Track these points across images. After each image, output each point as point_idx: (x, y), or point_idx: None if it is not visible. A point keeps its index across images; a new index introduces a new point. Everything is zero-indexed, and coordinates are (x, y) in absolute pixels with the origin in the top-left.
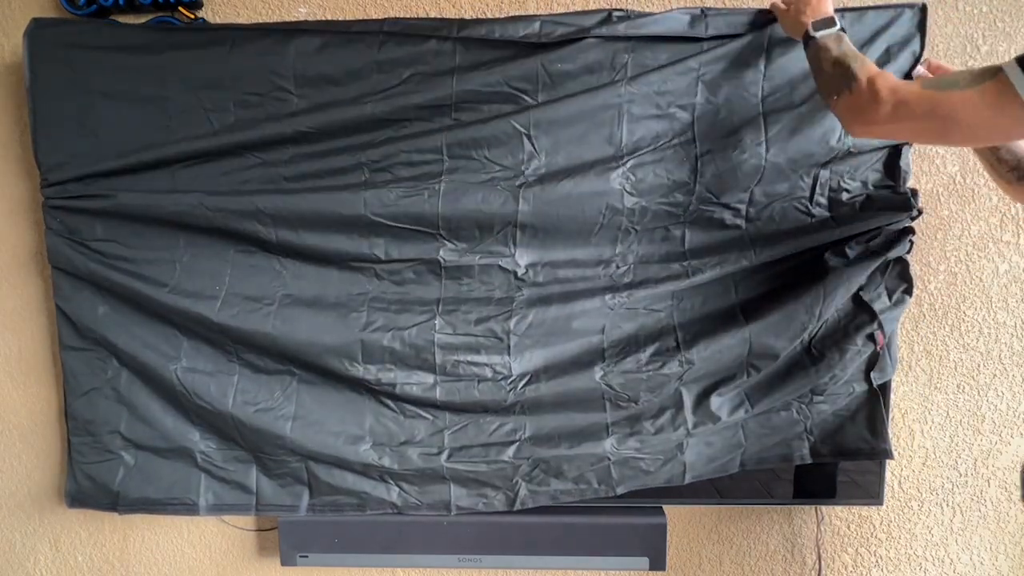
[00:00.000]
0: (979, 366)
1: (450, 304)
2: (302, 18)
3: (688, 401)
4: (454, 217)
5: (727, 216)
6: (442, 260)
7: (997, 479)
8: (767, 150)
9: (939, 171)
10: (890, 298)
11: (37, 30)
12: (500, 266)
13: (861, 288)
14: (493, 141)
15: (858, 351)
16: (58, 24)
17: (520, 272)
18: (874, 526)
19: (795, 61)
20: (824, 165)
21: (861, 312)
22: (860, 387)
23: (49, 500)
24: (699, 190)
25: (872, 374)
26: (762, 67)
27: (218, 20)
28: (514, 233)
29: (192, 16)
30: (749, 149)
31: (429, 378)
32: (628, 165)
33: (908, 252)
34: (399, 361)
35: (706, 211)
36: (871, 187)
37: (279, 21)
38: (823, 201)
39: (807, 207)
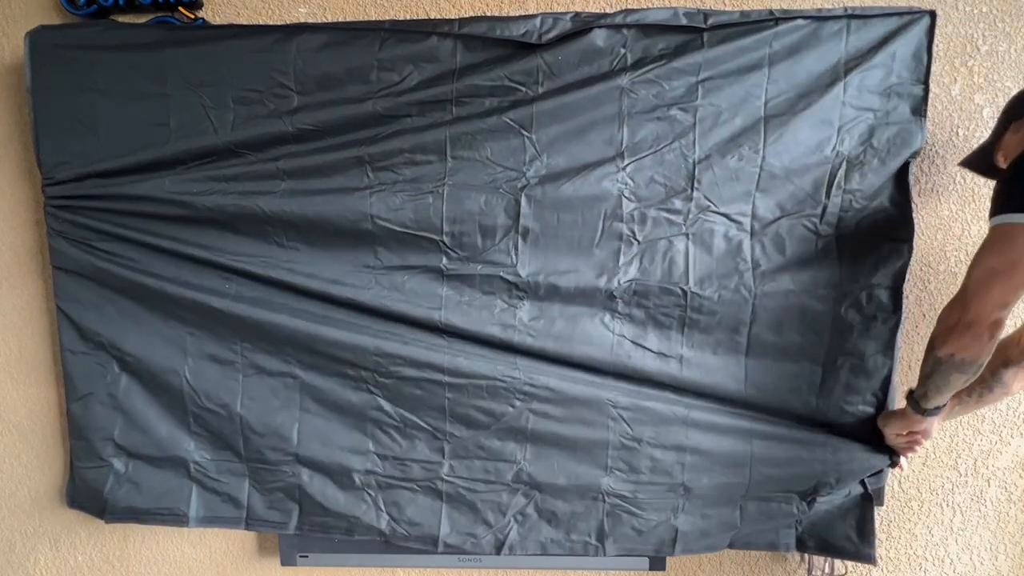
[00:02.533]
0: None
1: (453, 313)
2: (302, 19)
3: (687, 438)
4: (457, 221)
5: (730, 229)
6: (444, 269)
7: (997, 479)
8: (764, 157)
9: (939, 171)
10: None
11: (37, 31)
12: (502, 277)
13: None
14: (495, 139)
15: (859, 414)
16: (58, 25)
17: (522, 283)
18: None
19: (800, 65)
20: (830, 186)
21: (868, 379)
22: (856, 489)
23: (49, 500)
24: (697, 196)
25: (868, 479)
26: (766, 70)
27: (218, 20)
28: (516, 240)
29: (192, 16)
30: (747, 156)
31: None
32: (628, 169)
33: (906, 262)
34: (408, 363)
35: (707, 221)
36: (883, 202)
37: (280, 23)
38: (832, 220)
39: (815, 226)
